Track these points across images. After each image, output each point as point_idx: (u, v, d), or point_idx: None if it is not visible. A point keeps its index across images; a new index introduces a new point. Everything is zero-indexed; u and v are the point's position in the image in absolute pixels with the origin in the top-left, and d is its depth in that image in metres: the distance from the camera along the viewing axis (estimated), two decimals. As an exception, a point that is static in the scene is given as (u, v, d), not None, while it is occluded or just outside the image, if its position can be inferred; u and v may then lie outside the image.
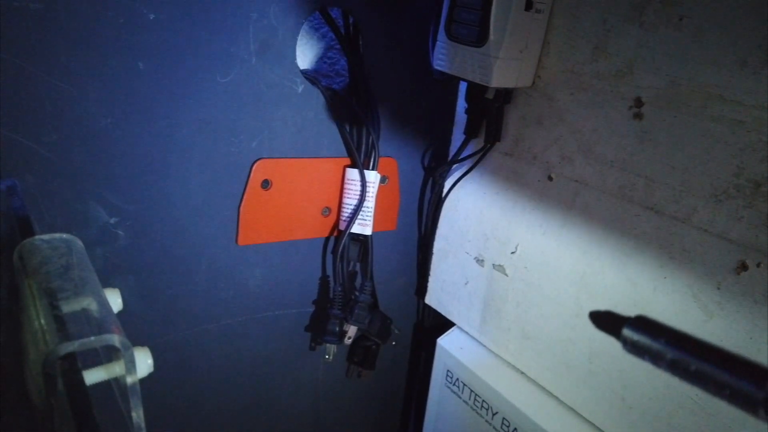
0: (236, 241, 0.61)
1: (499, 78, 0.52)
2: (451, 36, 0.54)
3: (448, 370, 0.69)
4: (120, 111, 0.49)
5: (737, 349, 0.42)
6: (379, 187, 0.66)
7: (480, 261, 0.65)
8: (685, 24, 0.43)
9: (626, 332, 0.43)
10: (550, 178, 0.55)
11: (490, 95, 0.57)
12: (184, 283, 0.60)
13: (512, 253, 0.60)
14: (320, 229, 0.68)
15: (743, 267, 0.41)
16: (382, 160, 0.66)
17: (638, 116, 0.46)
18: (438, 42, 0.56)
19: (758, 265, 0.40)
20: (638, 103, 0.46)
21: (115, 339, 0.28)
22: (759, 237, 0.40)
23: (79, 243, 0.37)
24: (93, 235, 0.52)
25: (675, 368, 0.39)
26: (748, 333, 0.41)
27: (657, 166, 0.46)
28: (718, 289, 0.43)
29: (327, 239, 0.69)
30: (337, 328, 0.69)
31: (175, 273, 0.58)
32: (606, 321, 0.51)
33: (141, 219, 0.54)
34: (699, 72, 0.43)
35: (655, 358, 0.41)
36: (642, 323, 0.44)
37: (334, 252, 0.69)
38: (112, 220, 0.52)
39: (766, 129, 0.39)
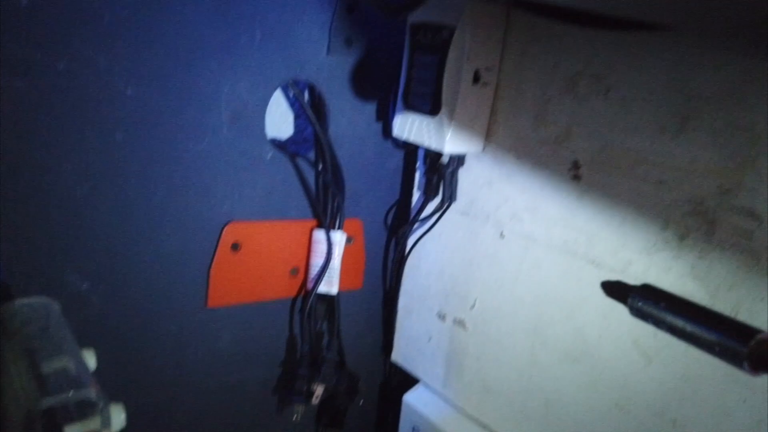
0: (205, 303, 0.63)
1: (451, 144, 0.57)
2: (407, 106, 0.59)
3: (413, 427, 0.70)
4: (96, 180, 0.52)
5: (673, 390, 0.45)
6: (345, 247, 0.70)
7: (442, 316, 0.67)
8: (612, 96, 0.49)
9: (632, 299, 0.47)
10: (502, 236, 0.59)
11: (444, 160, 0.62)
12: (155, 345, 0.61)
13: (471, 307, 0.63)
14: (288, 289, 0.70)
15: (676, 313, 0.45)
16: (347, 221, 0.70)
17: (577, 177, 0.51)
18: (396, 112, 0.61)
19: (688, 311, 0.44)
20: (576, 165, 0.51)
21: (92, 393, 0.30)
22: (687, 286, 0.45)
23: (56, 306, 0.39)
24: (67, 299, 0.53)
25: (673, 330, 0.44)
26: (682, 378, 0.45)
27: (595, 222, 0.50)
28: (655, 336, 0.47)
29: (295, 299, 0.71)
30: (305, 388, 0.70)
31: (146, 335, 0.60)
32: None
33: (113, 284, 0.56)
34: (626, 137, 0.48)
35: (656, 322, 0.45)
36: (645, 291, 0.47)
37: (301, 312, 0.71)
38: (85, 286, 0.54)
39: (685, 188, 0.44)
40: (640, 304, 0.46)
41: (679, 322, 0.43)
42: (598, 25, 0.45)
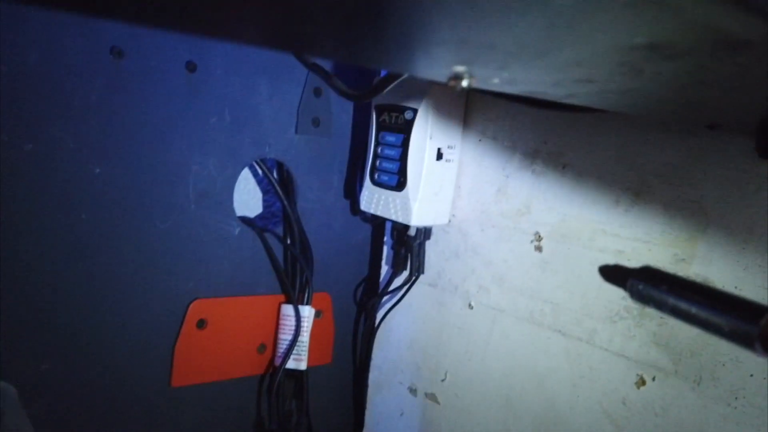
0: (170, 382, 0.61)
1: (418, 218, 0.58)
2: (374, 182, 0.61)
3: (388, 508, 0.68)
4: (59, 258, 0.51)
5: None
6: (314, 322, 0.69)
7: (413, 391, 0.67)
8: (568, 171, 0.51)
9: (632, 283, 0.43)
10: (470, 307, 0.59)
11: (411, 233, 0.63)
12: (117, 427, 0.58)
13: (442, 380, 0.63)
14: (256, 366, 0.68)
15: (642, 382, 0.46)
16: (316, 295, 0.70)
17: (539, 248, 0.53)
18: (364, 187, 0.62)
19: (653, 379, 0.45)
20: (538, 237, 0.53)
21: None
22: (650, 353, 0.46)
23: (12, 390, 0.37)
24: (24, 381, 0.51)
25: (677, 313, 0.40)
26: (655, 444, 0.45)
27: (559, 292, 0.51)
28: (624, 404, 0.47)
29: (262, 377, 0.70)
30: (274, 470, 0.67)
31: (108, 417, 0.57)
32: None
33: (74, 364, 0.54)
34: (584, 210, 0.50)
35: (659, 305, 0.42)
36: (646, 273, 0.44)
37: (269, 390, 0.69)
38: (44, 366, 0.52)
39: (642, 257, 0.46)
40: (640, 287, 0.42)
41: (683, 305, 0.39)
42: (551, 106, 0.49)
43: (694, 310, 0.39)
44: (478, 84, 0.19)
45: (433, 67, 0.18)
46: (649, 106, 0.28)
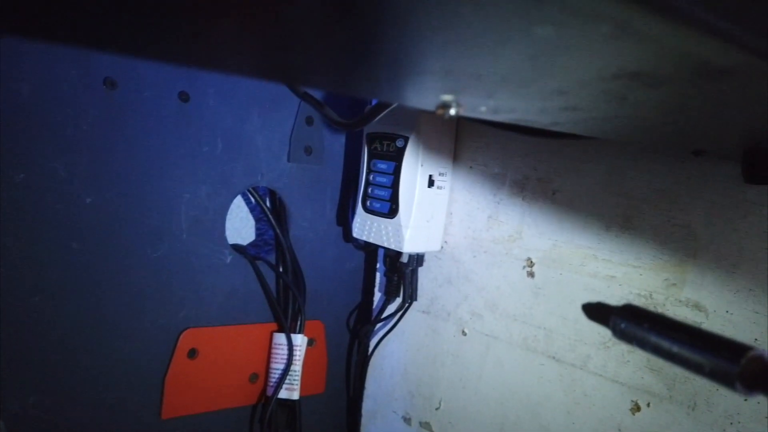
0: (160, 414, 0.60)
1: (410, 244, 0.58)
2: (366, 209, 0.61)
3: None
4: (49, 290, 0.51)
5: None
6: (307, 350, 0.68)
7: (407, 420, 0.66)
8: (558, 197, 0.52)
9: (615, 321, 0.44)
10: (464, 333, 0.59)
11: (404, 259, 0.63)
12: (102, 464, 0.57)
13: (437, 409, 0.62)
14: (248, 396, 0.67)
15: (637, 408, 0.46)
16: (308, 323, 0.69)
17: (531, 274, 0.53)
18: (356, 214, 0.63)
19: (648, 405, 0.45)
20: (530, 263, 0.53)
21: None
22: (644, 378, 0.45)
23: (1, 424, 0.36)
24: (10, 416, 0.50)
25: (659, 352, 0.40)
26: (651, 471, 0.45)
27: (552, 318, 0.51)
28: (619, 431, 0.47)
29: (254, 407, 0.69)
30: (265, 504, 0.66)
31: (93, 453, 0.56)
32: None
33: (62, 397, 0.53)
34: (574, 235, 0.50)
35: (641, 344, 0.42)
36: (628, 312, 0.45)
37: (261, 420, 0.68)
38: (31, 400, 0.51)
39: (633, 282, 0.46)
40: (623, 326, 0.44)
41: (665, 343, 0.41)
42: (540, 134, 0.49)
43: (675, 349, 0.39)
44: (465, 112, 0.19)
45: (422, 96, 0.18)
46: (634, 133, 0.28)
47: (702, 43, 0.12)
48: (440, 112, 0.18)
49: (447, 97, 0.17)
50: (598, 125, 0.24)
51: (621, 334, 0.45)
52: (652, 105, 0.19)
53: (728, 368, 0.38)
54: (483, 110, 0.20)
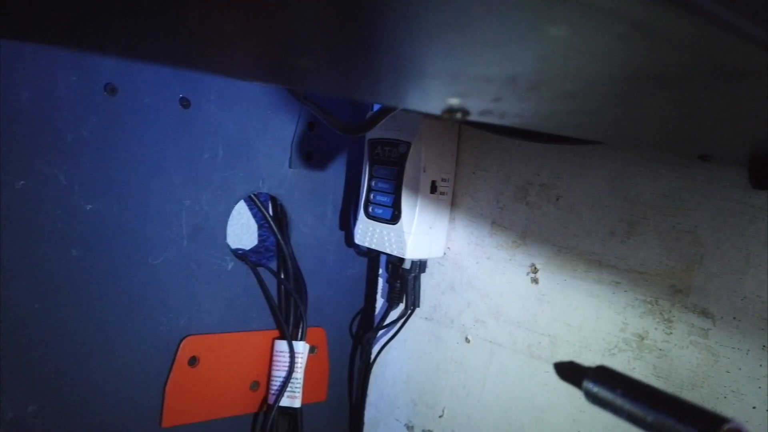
0: (160, 422, 0.59)
1: (413, 251, 0.58)
2: (368, 215, 0.61)
3: None
4: (49, 297, 0.50)
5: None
6: (308, 358, 0.68)
7: (410, 428, 0.65)
8: (562, 203, 0.51)
9: (587, 385, 0.43)
10: (467, 340, 0.58)
11: (407, 266, 0.62)
12: (102, 473, 0.56)
13: (440, 416, 0.61)
14: (249, 404, 0.67)
15: (643, 415, 0.45)
16: (310, 330, 0.68)
17: (535, 281, 0.52)
18: (358, 221, 0.62)
19: (655, 413, 0.44)
20: (534, 269, 0.53)
21: None
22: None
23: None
24: (12, 424, 0.49)
25: (633, 419, 0.39)
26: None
27: (557, 325, 0.51)
28: (626, 438, 0.46)
29: (256, 415, 0.68)
30: None
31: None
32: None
33: (61, 405, 0.52)
34: (579, 241, 0.50)
35: (615, 410, 0.41)
36: (601, 374, 0.43)
37: (262, 429, 0.68)
38: (30, 409, 0.50)
39: (639, 288, 0.46)
40: (595, 390, 0.43)
41: (638, 411, 0.39)
42: (544, 139, 0.49)
43: (650, 418, 0.39)
44: (472, 117, 0.19)
45: (427, 100, 0.18)
46: (641, 137, 0.28)
47: (720, 43, 0.12)
48: (446, 116, 0.18)
49: (453, 101, 0.17)
50: (605, 129, 0.24)
51: (593, 399, 0.44)
52: (664, 108, 0.18)
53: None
54: (490, 115, 0.19)
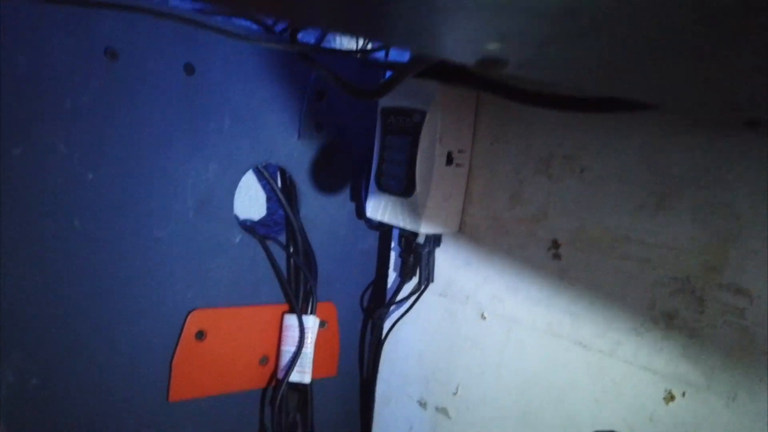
0: (167, 397, 0.58)
1: (427, 225, 0.55)
2: (381, 188, 0.58)
3: None
4: (52, 270, 0.48)
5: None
6: (318, 332, 0.66)
7: (423, 404, 0.64)
8: (586, 175, 0.48)
9: None
10: (483, 317, 0.56)
11: (420, 240, 0.60)
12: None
13: (454, 394, 0.60)
14: (257, 379, 0.65)
15: (671, 397, 0.43)
16: (320, 305, 0.67)
17: (557, 256, 0.50)
18: (369, 193, 0.60)
19: (683, 395, 0.42)
20: (555, 244, 0.50)
21: None
22: (679, 367, 0.43)
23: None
24: (15, 398, 0.48)
25: None
26: (685, 465, 0.42)
27: (579, 302, 0.48)
28: (651, 421, 0.44)
29: (264, 390, 0.67)
30: (277, 489, 0.64)
31: (100, 435, 0.54)
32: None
33: (66, 379, 0.51)
34: (604, 215, 0.47)
35: None
36: None
37: (271, 403, 0.66)
38: (34, 381, 0.49)
39: (669, 265, 0.43)
40: None
41: None
42: (567, 107, 0.46)
43: None
44: (512, 68, 0.16)
45: (463, 43, 0.15)
46: (699, 98, 0.25)
47: None
48: (485, 65, 0.15)
49: (493, 46, 0.14)
50: (660, 90, 0.21)
51: None
52: (736, 57, 0.16)
53: None
54: (533, 66, 0.17)
